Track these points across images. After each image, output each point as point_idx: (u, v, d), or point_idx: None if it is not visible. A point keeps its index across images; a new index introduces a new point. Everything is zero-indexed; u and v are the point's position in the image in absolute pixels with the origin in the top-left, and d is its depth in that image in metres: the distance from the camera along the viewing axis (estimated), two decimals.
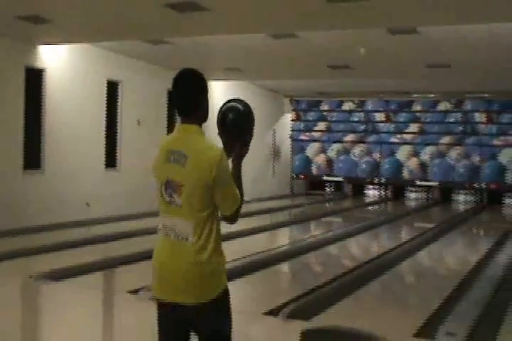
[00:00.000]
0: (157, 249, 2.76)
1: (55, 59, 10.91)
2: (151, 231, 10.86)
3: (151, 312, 5.57)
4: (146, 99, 13.31)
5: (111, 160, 12.31)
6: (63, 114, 11.07)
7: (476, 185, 18.36)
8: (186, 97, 2.75)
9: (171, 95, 2.92)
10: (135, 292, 6.06)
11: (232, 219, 2.76)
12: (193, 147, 2.66)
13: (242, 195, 2.75)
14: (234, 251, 8.67)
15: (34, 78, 10.54)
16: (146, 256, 8.12)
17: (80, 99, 11.49)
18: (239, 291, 6.97)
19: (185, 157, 2.64)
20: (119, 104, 12.50)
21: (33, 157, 10.55)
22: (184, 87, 2.74)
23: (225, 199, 2.67)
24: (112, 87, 12.30)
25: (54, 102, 10.89)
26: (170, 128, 14.17)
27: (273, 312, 5.44)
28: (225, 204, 2.68)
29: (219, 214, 2.73)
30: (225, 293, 2.74)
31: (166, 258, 2.70)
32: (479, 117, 18.50)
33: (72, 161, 11.23)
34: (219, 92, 16.23)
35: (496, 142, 18.19)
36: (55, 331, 5.07)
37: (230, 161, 2.75)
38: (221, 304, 2.71)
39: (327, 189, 20.61)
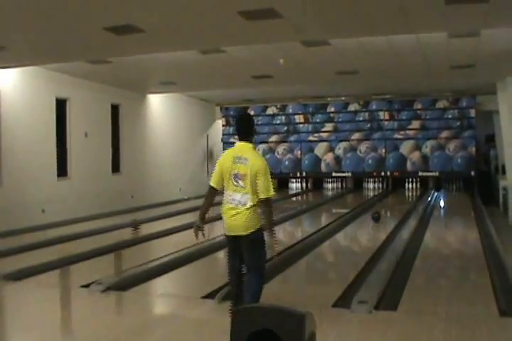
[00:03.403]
0: (225, 211, 4.35)
1: (8, 81, 10.66)
2: (100, 232, 10.65)
3: (103, 303, 5.56)
4: (91, 113, 13.06)
5: (62, 170, 12.04)
6: (18, 131, 10.77)
7: (382, 174, 18.75)
8: (243, 129, 4.34)
9: (236, 125, 4.53)
10: (87, 286, 5.99)
11: (266, 204, 4.30)
12: (251, 155, 4.27)
13: (271, 206, 4.45)
14: (178, 243, 8.66)
15: None
16: (96, 254, 8.00)
17: (33, 116, 11.22)
18: (179, 278, 6.99)
19: (247, 160, 4.22)
20: (67, 119, 12.24)
21: None
22: (241, 122, 4.40)
23: (261, 187, 4.22)
24: (61, 104, 12.04)
25: (9, 120, 10.58)
26: (114, 139, 13.99)
27: (209, 296, 5.49)
28: (261, 191, 4.22)
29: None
30: (259, 229, 4.30)
31: (231, 216, 4.28)
32: (383, 115, 18.77)
33: (27, 174, 10.93)
34: (156, 105, 16.09)
35: (397, 136, 18.62)
36: (16, 326, 4.96)
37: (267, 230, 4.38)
38: (255, 235, 4.27)
39: None
